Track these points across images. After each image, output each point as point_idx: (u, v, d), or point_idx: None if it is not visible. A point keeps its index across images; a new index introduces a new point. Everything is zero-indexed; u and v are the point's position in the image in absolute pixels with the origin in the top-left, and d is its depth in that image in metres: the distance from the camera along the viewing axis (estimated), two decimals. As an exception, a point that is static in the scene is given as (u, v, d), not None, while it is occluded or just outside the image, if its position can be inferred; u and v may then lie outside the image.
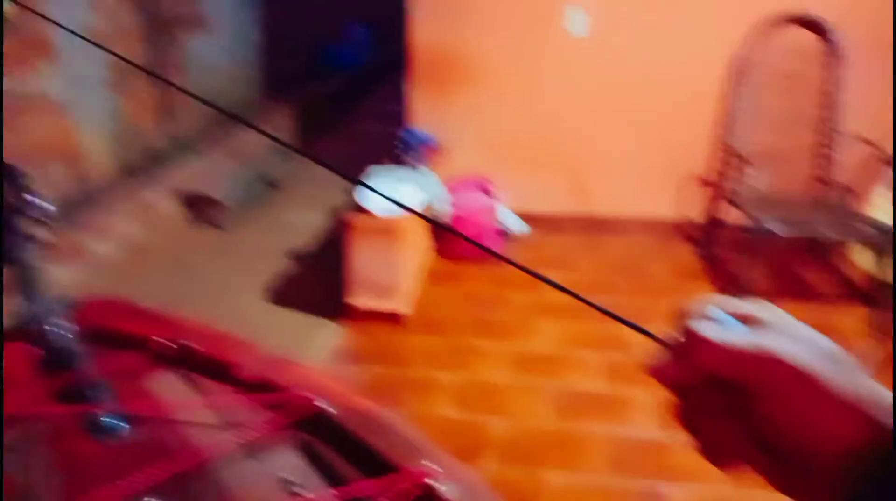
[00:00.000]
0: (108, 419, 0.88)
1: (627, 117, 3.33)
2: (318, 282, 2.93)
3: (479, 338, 2.56)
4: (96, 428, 0.88)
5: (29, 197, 1.06)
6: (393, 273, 2.52)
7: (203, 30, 4.25)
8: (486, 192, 3.25)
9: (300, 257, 3.28)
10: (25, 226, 1.05)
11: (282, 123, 5.02)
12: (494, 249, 3.26)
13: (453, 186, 3.17)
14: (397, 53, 7.00)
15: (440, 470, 0.78)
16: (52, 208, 1.11)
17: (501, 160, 3.44)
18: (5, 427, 0.89)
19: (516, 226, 3.47)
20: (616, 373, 2.33)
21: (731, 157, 3.15)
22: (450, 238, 3.16)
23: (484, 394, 2.22)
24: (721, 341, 0.35)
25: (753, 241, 2.70)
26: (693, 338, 0.36)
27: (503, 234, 3.36)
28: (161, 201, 3.47)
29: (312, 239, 3.49)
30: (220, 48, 4.49)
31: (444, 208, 3.03)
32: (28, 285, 1.09)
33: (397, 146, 3.16)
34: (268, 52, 5.10)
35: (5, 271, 1.10)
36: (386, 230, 2.47)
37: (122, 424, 0.89)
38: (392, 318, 2.57)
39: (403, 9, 3.28)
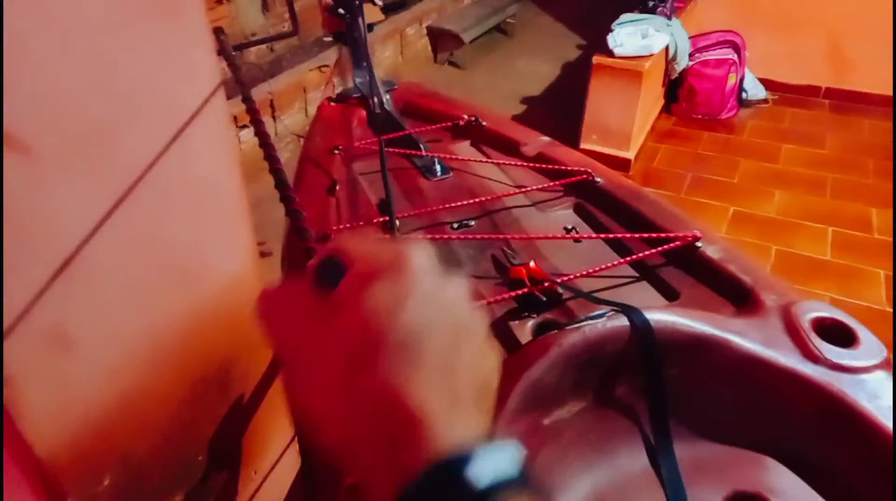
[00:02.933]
0: (434, 163, 1.14)
1: None
2: (548, 128, 3.05)
3: (701, 195, 2.55)
4: (426, 170, 1.14)
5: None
6: (627, 119, 2.56)
7: None
8: (736, 50, 3.02)
9: (531, 102, 3.41)
10: (362, 6, 1.30)
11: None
12: (729, 110, 3.09)
13: (702, 39, 2.99)
14: None
15: (704, 235, 0.90)
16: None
17: (754, 20, 3.13)
18: (358, 159, 1.19)
19: (756, 91, 3.22)
20: (843, 246, 2.23)
21: None
22: (684, 95, 3.05)
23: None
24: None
25: None
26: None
27: (740, 98, 3.15)
28: (413, 33, 3.74)
29: (542, 86, 3.58)
30: None
31: (685, 61, 2.90)
32: (360, 59, 1.37)
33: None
34: None
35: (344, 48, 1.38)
36: (627, 73, 2.47)
37: (443, 169, 1.14)
38: (618, 163, 2.64)
39: None
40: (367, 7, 1.29)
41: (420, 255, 0.28)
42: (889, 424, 0.61)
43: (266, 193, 0.89)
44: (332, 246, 0.29)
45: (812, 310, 0.73)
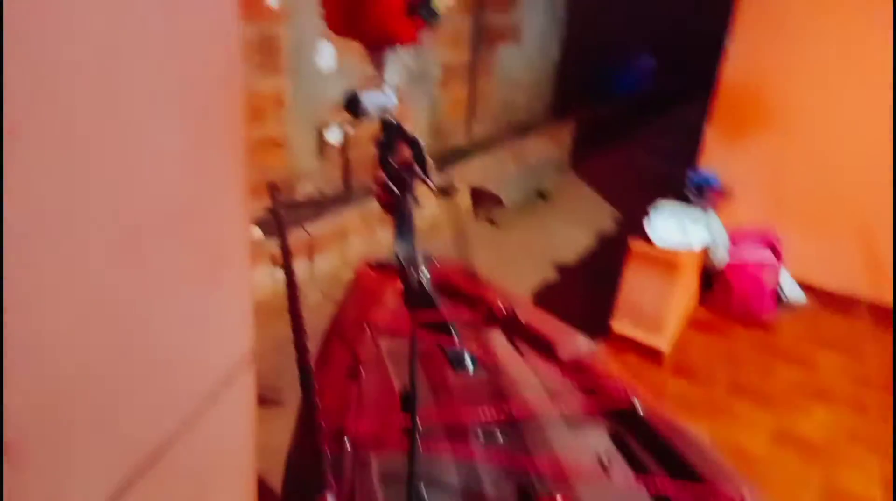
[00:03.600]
0: (465, 356, 1.08)
1: None
2: (579, 298, 3.04)
3: (738, 400, 2.41)
4: (457, 362, 1.09)
5: (423, 163, 1.33)
6: (661, 308, 2.51)
7: (515, 41, 4.63)
8: (772, 248, 3.03)
9: (565, 269, 3.43)
10: (414, 186, 1.32)
11: (562, 139, 5.24)
12: (766, 311, 3.03)
13: (737, 235, 3.02)
14: (680, 87, 6.78)
15: (751, 496, 0.81)
16: (434, 174, 1.37)
17: (790, 218, 3.16)
18: (388, 337, 1.15)
19: (793, 293, 3.18)
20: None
21: None
22: (720, 289, 3.02)
23: (738, 460, 2.10)
24: None
25: None
26: None
27: (778, 298, 3.10)
28: (456, 189, 3.90)
29: (577, 255, 3.62)
30: (525, 59, 4.85)
31: (723, 256, 2.91)
32: (405, 233, 1.37)
33: (685, 184, 3.11)
34: (560, 70, 5.36)
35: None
36: (664, 263, 2.47)
37: (473, 363, 1.09)
38: (650, 353, 2.56)
39: (690, 41, 3.20)
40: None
41: None
42: None
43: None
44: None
45: None
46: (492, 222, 3.93)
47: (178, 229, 0.47)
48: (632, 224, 2.66)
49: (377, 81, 1.09)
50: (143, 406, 0.47)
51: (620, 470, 0.90)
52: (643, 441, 0.96)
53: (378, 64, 1.02)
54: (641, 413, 0.98)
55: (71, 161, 0.41)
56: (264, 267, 2.41)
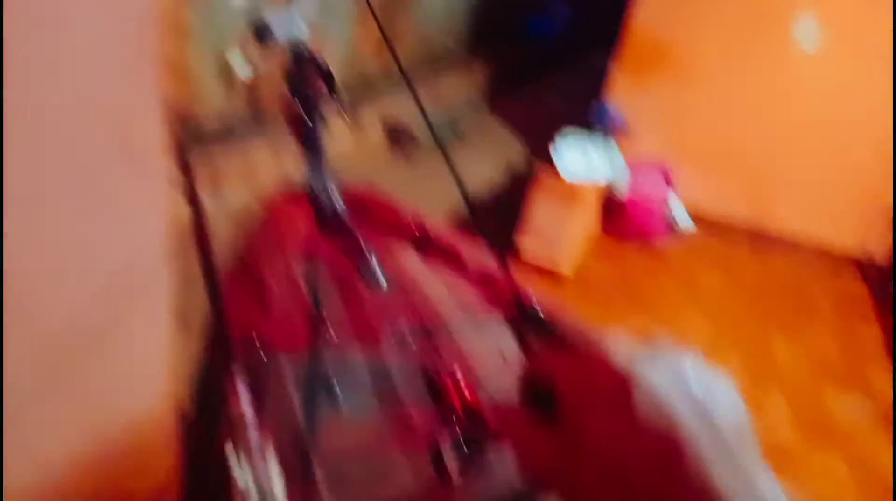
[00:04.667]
0: (379, 274, 1.14)
1: (828, 138, 3.17)
2: (489, 230, 3.15)
3: (632, 317, 2.66)
4: (370, 280, 1.14)
5: (334, 91, 1.34)
6: (564, 234, 2.67)
7: (431, -24, 4.54)
8: (667, 180, 3.27)
9: (478, 207, 3.52)
10: (323, 112, 1.33)
11: (476, 79, 5.26)
12: (660, 237, 3.29)
13: (635, 167, 3.22)
14: (593, 34, 6.93)
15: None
16: (346, 100, 1.39)
17: (684, 154, 3.42)
18: (300, 260, 1.19)
19: (684, 221, 3.46)
20: (752, 375, 2.36)
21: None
22: (618, 216, 3.24)
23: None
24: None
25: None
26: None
27: (670, 225, 3.37)
28: (369, 124, 3.86)
29: (488, 191, 3.72)
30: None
31: (623, 187, 3.11)
32: (317, 161, 1.39)
33: (590, 114, 3.26)
34: (478, 11, 5.33)
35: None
36: (568, 192, 2.61)
37: (387, 280, 1.15)
38: (553, 276, 2.73)
39: None
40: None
41: (606, 344, 0.29)
42: None
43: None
44: (530, 367, 0.30)
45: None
46: (405, 157, 3.95)
47: (91, 118, 0.48)
48: (539, 156, 2.77)
49: (287, 8, 1.08)
50: (65, 295, 0.49)
51: (519, 360, 1.00)
52: (542, 337, 1.07)
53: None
54: (539, 312, 1.08)
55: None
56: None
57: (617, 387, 0.27)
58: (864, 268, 3.29)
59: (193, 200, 0.93)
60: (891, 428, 2.18)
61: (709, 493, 0.25)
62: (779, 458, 1.96)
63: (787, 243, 3.43)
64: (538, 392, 0.29)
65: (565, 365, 0.29)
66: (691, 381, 0.29)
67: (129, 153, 0.53)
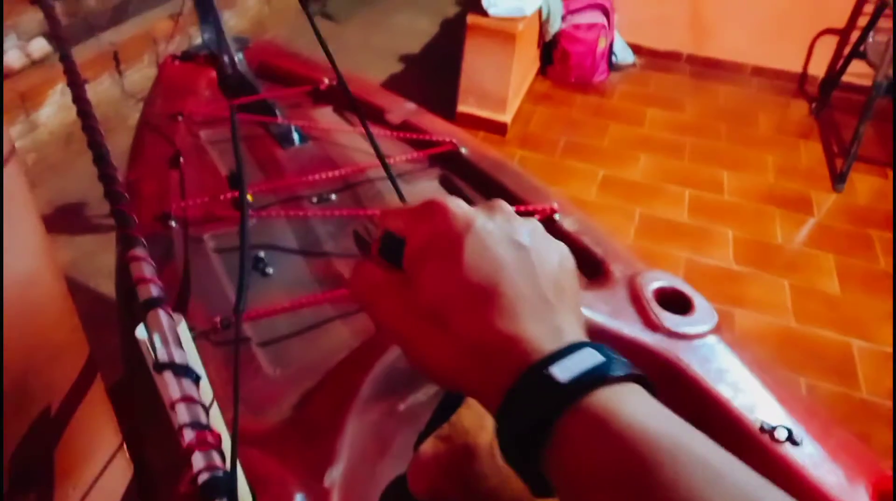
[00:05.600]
0: (292, 131, 1.06)
1: None
2: (427, 86, 3.01)
3: (573, 159, 2.64)
4: (283, 138, 1.07)
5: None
6: (503, 82, 2.57)
7: None
8: (605, 13, 3.11)
9: (410, 60, 3.33)
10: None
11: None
12: (600, 74, 3.20)
13: (571, 3, 3.04)
14: None
15: (561, 207, 0.92)
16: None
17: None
18: (206, 126, 1.09)
19: (625, 55, 3.36)
20: (700, 208, 2.41)
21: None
22: (558, 58, 3.11)
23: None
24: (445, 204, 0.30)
25: (873, 103, 2.53)
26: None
27: (610, 61, 3.27)
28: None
29: (420, 44, 3.51)
30: None
31: (558, 23, 2.95)
32: (209, 18, 1.24)
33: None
34: None
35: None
36: (502, 35, 2.47)
37: (301, 137, 1.07)
38: (495, 126, 2.66)
39: None
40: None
41: (452, 203, 0.30)
42: (715, 386, 0.65)
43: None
44: (384, 224, 0.32)
45: (654, 280, 0.77)
46: (327, 16, 3.64)
47: None
48: (472, 3, 2.58)
49: None
50: None
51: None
52: (468, 178, 1.03)
53: None
54: (465, 155, 1.04)
55: None
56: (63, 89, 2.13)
57: (454, 237, 0.29)
58: (804, 86, 3.31)
59: (76, 89, 0.81)
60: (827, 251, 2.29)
61: (518, 337, 0.26)
62: (727, 285, 2.06)
63: (729, 68, 3.40)
64: (389, 245, 0.32)
65: (415, 221, 0.31)
66: (523, 230, 0.31)
67: None
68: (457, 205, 0.30)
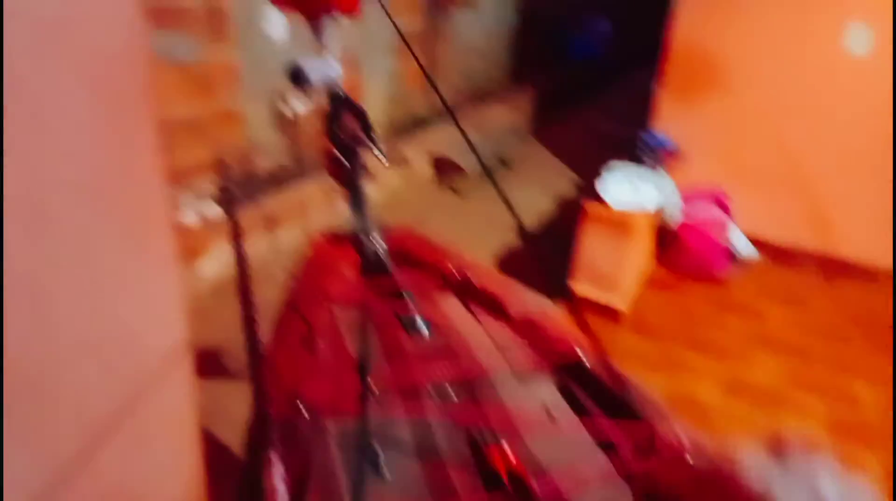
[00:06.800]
0: (419, 321, 1.11)
1: (889, 154, 2.96)
2: (543, 264, 3.09)
3: (692, 353, 2.52)
4: (411, 326, 1.11)
5: (370, 133, 1.33)
6: (617, 268, 2.58)
7: (471, 6, 4.59)
8: (722, 206, 3.13)
9: (530, 234, 3.48)
10: (363, 156, 1.33)
11: (521, 103, 5.26)
12: (720, 268, 3.14)
13: (688, 195, 3.11)
14: (636, 50, 6.87)
15: (682, 432, 0.86)
16: (383, 145, 1.38)
17: (740, 177, 3.27)
18: (343, 307, 1.17)
19: (745, 249, 3.29)
20: (838, 427, 2.16)
21: None
22: (674, 247, 3.11)
23: (692, 410, 2.20)
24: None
25: None
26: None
27: (730, 254, 3.21)
28: (416, 158, 3.89)
29: (538, 220, 3.67)
30: (482, 26, 4.81)
31: (676, 216, 2.99)
32: (358, 203, 1.38)
33: (638, 146, 3.17)
34: (517, 36, 5.35)
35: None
36: (619, 224, 2.53)
37: (427, 327, 1.12)
38: (608, 312, 2.63)
39: (645, 4, 3.24)
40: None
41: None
42: None
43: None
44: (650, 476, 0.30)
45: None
46: (454, 190, 3.95)
47: (91, 202, 0.47)
48: (588, 187, 2.71)
49: (320, 51, 1.09)
50: (77, 387, 0.48)
51: (565, 417, 0.94)
52: (587, 389, 1.01)
53: (318, 33, 1.02)
54: (587, 365, 1.02)
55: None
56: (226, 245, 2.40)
57: None
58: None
59: (237, 243, 0.93)
60: None
61: None
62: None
63: (859, 270, 3.22)
64: None
65: (691, 479, 0.28)
66: (829, 497, 0.29)
67: (132, 235, 0.52)
68: (744, 462, 0.29)
